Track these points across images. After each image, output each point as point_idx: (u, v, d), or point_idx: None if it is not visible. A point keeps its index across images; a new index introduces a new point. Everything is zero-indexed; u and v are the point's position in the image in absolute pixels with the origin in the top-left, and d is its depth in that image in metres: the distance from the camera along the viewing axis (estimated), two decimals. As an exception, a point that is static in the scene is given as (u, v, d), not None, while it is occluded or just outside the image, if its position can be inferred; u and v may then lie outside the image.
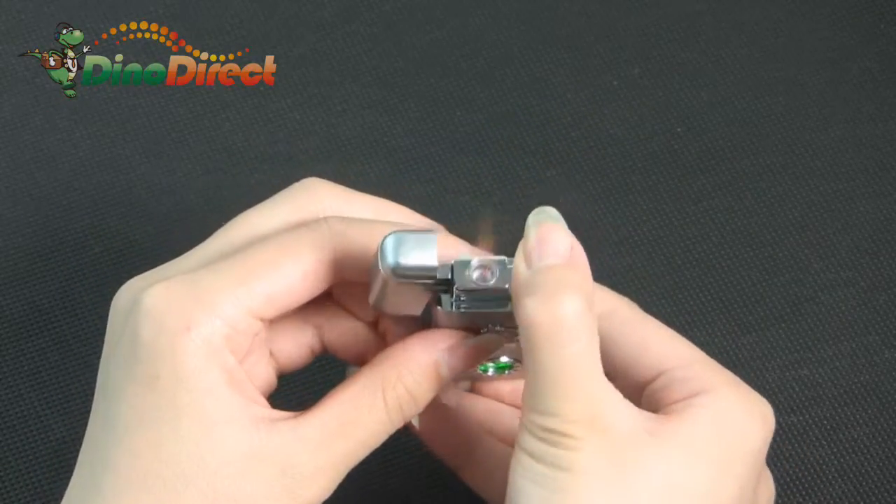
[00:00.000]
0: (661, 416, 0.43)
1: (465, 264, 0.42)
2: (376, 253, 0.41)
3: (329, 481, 0.43)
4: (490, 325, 0.45)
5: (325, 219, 0.45)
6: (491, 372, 0.48)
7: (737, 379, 0.45)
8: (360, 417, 0.43)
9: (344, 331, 0.47)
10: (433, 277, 0.41)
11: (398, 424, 0.44)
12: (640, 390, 0.45)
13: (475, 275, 0.43)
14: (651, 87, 0.63)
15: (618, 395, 0.42)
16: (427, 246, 0.41)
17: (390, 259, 0.41)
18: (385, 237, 0.41)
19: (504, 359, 0.48)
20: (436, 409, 0.49)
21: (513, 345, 0.46)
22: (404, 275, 0.41)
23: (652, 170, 0.62)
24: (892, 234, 0.60)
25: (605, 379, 0.42)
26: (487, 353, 0.46)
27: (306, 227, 0.45)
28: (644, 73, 0.63)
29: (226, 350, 0.42)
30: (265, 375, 0.46)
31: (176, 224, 0.60)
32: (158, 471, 0.41)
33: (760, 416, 0.44)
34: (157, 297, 0.43)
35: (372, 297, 0.44)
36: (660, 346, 0.45)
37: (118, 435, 0.42)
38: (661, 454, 0.41)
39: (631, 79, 0.63)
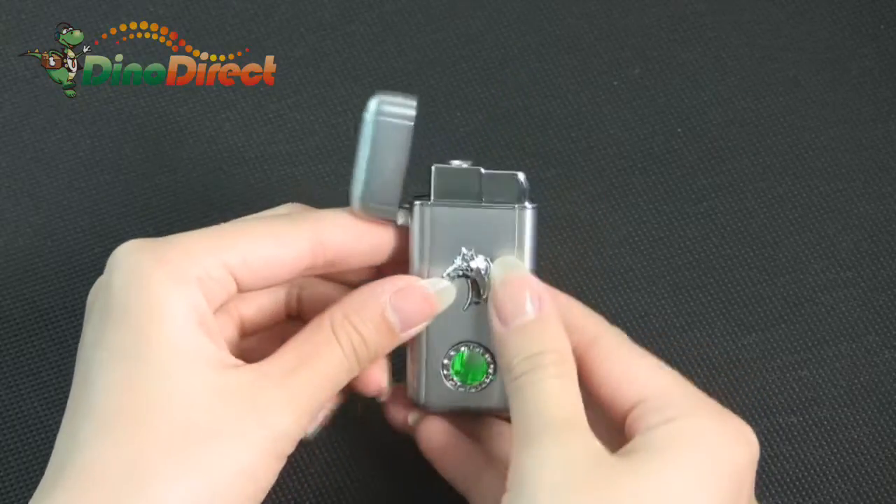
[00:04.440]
0: (629, 445, 0.44)
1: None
2: (361, 120, 0.47)
3: (298, 414, 0.44)
4: (464, 249, 0.48)
5: (301, 211, 0.48)
6: (466, 386, 0.49)
7: (718, 406, 0.45)
8: (316, 352, 0.45)
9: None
10: (412, 119, 0.47)
11: (356, 366, 0.46)
12: (622, 420, 0.46)
13: (453, 162, 0.49)
14: (651, 88, 0.63)
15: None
16: (407, 98, 0.47)
17: (374, 104, 0.47)
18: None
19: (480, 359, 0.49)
20: (448, 436, 0.50)
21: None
22: (387, 113, 0.47)
23: (652, 170, 0.62)
24: (892, 234, 0.60)
25: (579, 398, 0.44)
26: (439, 304, 0.48)
27: (282, 214, 0.47)
28: (644, 74, 0.63)
29: (198, 291, 0.44)
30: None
31: (176, 224, 0.60)
32: (132, 406, 0.42)
33: (740, 440, 0.44)
34: (130, 247, 0.44)
35: (356, 187, 0.47)
36: (640, 376, 0.46)
37: (93, 378, 0.43)
38: (626, 465, 0.43)
39: (631, 79, 0.63)
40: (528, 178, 0.49)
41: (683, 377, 0.47)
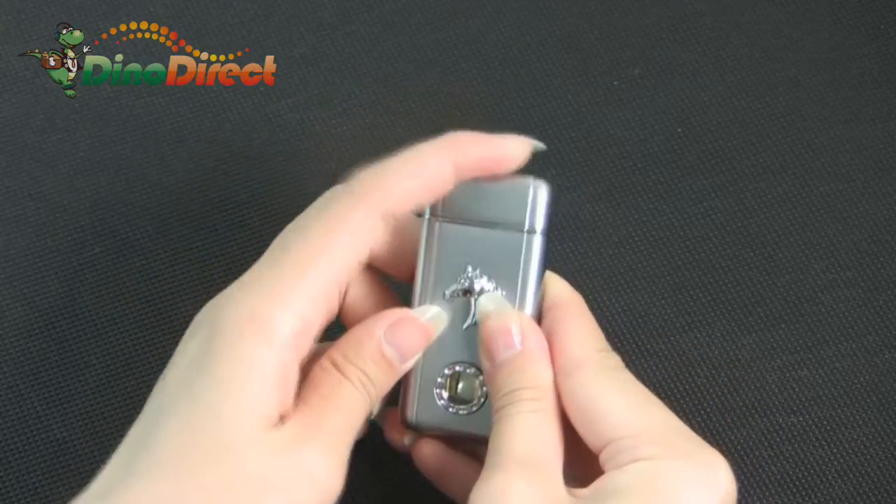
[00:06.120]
0: (594, 484, 0.44)
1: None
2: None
3: (336, 459, 0.44)
4: (469, 269, 0.48)
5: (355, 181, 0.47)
6: (457, 407, 0.49)
7: (694, 444, 0.45)
8: (334, 395, 0.45)
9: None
10: None
11: (368, 400, 0.46)
12: (598, 453, 0.46)
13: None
14: (651, 88, 0.63)
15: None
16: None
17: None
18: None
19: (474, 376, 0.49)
20: (444, 457, 0.50)
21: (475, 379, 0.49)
22: None
23: (652, 170, 0.62)
24: (892, 234, 0.60)
25: (552, 435, 0.45)
26: (433, 332, 0.48)
27: (344, 194, 0.47)
28: (644, 74, 0.63)
29: (286, 347, 0.44)
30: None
31: (176, 224, 0.60)
32: (191, 451, 0.42)
33: (708, 483, 0.44)
34: (233, 295, 0.45)
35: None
36: (615, 412, 0.46)
37: (163, 416, 0.43)
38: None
39: (631, 79, 0.63)
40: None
41: (665, 408, 0.46)
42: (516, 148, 0.48)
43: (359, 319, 0.48)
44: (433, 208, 0.49)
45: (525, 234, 0.48)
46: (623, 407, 0.46)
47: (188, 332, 0.45)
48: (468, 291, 0.48)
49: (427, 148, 0.47)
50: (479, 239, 0.48)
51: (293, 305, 0.44)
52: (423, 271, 0.48)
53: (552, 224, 0.49)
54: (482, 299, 0.48)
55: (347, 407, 0.45)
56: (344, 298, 0.50)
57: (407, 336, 0.47)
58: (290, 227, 0.46)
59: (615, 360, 0.48)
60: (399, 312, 0.47)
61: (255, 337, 0.43)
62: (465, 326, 0.48)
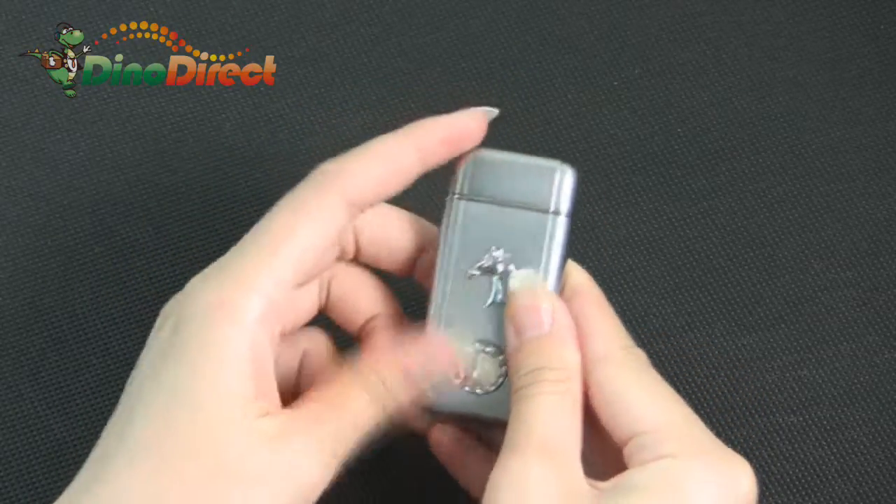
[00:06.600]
0: (615, 479, 0.44)
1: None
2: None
3: (325, 463, 0.44)
4: (493, 248, 0.48)
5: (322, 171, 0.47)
6: (478, 390, 0.49)
7: (715, 446, 0.45)
8: (342, 398, 0.45)
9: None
10: None
11: (380, 413, 0.46)
12: (622, 447, 0.46)
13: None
14: (651, 88, 0.63)
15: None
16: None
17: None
18: None
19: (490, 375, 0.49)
20: (460, 443, 0.50)
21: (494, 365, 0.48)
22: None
23: (652, 170, 0.62)
24: (892, 234, 0.60)
25: (574, 419, 0.45)
26: (453, 353, 0.48)
27: (308, 183, 0.47)
28: (644, 74, 0.63)
29: (258, 328, 0.44)
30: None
31: (176, 224, 0.60)
32: (166, 443, 0.42)
33: (726, 484, 0.44)
34: (197, 285, 0.45)
35: None
36: (638, 407, 0.46)
37: (137, 409, 0.43)
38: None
39: (631, 79, 0.63)
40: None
41: (689, 409, 0.46)
42: (472, 122, 0.49)
43: (349, 314, 0.49)
44: (456, 187, 0.49)
45: (550, 216, 0.48)
46: (647, 402, 0.45)
47: (156, 325, 0.45)
48: (491, 270, 0.48)
49: (389, 136, 0.48)
50: (503, 219, 0.48)
51: (258, 287, 0.44)
52: (446, 249, 0.48)
53: (575, 211, 0.49)
54: (513, 275, 0.48)
55: (351, 417, 0.45)
56: (328, 289, 0.50)
57: (435, 362, 0.47)
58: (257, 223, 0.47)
59: (642, 357, 0.48)
60: (432, 337, 0.48)
61: (223, 321, 0.43)
62: (486, 305, 0.48)
